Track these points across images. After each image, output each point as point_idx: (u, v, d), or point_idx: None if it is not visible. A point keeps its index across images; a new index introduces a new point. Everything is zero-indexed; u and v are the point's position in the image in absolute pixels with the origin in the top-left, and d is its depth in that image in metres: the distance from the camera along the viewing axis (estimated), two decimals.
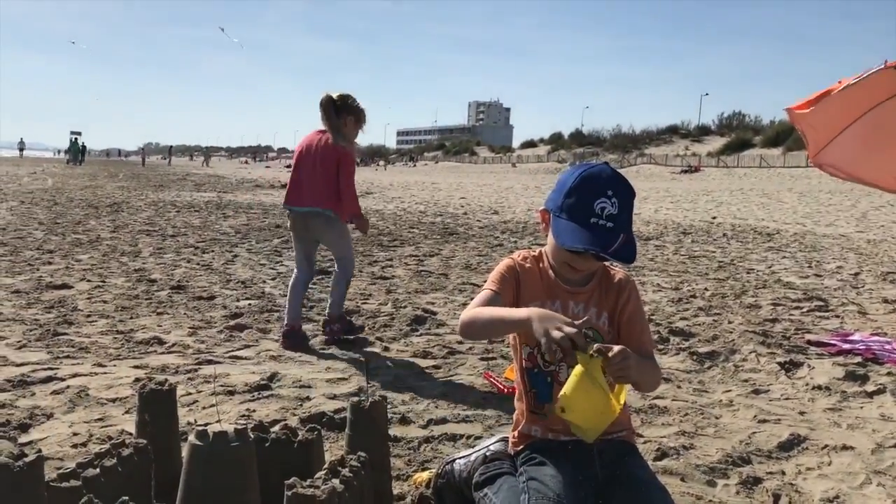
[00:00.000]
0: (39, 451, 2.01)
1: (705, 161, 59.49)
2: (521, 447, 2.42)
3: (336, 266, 5.10)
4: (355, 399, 2.48)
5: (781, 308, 6.44)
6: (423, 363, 4.47)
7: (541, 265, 2.45)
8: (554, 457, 2.30)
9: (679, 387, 4.06)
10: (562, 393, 2.10)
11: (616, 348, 2.06)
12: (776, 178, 41.60)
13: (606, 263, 2.46)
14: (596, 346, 2.07)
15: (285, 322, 4.86)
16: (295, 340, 4.74)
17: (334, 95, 4.86)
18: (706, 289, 7.32)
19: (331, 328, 4.95)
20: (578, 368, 2.08)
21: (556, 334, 2.05)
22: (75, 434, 3.16)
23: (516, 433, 2.47)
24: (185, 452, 2.20)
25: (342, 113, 4.85)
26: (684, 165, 55.99)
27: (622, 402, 2.13)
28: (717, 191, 29.94)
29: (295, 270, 5.11)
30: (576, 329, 2.07)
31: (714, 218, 16.95)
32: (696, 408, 3.71)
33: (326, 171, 4.82)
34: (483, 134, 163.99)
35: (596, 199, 2.20)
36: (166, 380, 2.62)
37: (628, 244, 2.23)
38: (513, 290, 2.41)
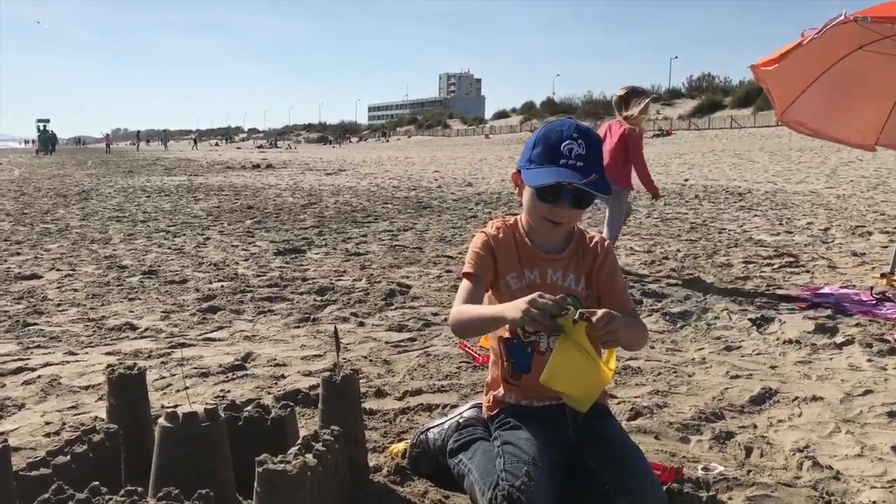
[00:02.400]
0: (5, 440, 1.98)
1: (677, 124, 59.70)
2: (496, 412, 2.42)
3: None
4: (326, 374, 2.48)
5: (753, 266, 6.51)
6: (399, 336, 4.47)
7: (516, 234, 2.43)
8: (528, 420, 2.31)
9: (652, 347, 4.10)
10: (548, 364, 2.09)
11: (600, 312, 2.06)
12: (747, 139, 41.86)
13: (581, 228, 2.46)
14: (579, 311, 2.06)
15: None
16: None
17: (621, 92, 6.12)
18: (678, 250, 7.37)
19: None
20: (563, 337, 2.07)
21: (534, 313, 2.04)
22: (48, 423, 3.13)
23: (490, 398, 2.48)
24: (156, 434, 2.19)
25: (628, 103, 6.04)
26: (656, 130, 56.18)
27: (612, 366, 2.12)
28: (689, 153, 30.11)
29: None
30: (551, 300, 2.06)
31: (686, 180, 17.05)
32: (669, 367, 3.74)
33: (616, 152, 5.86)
34: (455, 106, 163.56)
35: (562, 143, 2.22)
36: (135, 364, 2.60)
37: (601, 181, 2.24)
38: (491, 267, 2.40)
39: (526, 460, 2.14)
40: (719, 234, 8.55)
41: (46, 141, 52.91)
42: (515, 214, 2.51)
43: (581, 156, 2.23)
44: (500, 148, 48.05)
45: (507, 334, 2.43)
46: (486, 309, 2.28)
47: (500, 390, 2.44)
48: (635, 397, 3.31)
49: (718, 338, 4.31)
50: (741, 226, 9.20)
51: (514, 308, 2.11)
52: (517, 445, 2.21)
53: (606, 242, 2.46)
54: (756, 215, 10.27)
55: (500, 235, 2.42)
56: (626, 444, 2.30)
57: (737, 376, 3.61)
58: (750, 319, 4.63)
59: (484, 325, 2.30)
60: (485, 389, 2.56)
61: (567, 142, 2.24)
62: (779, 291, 5.43)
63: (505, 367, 2.43)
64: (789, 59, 5.12)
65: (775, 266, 6.49)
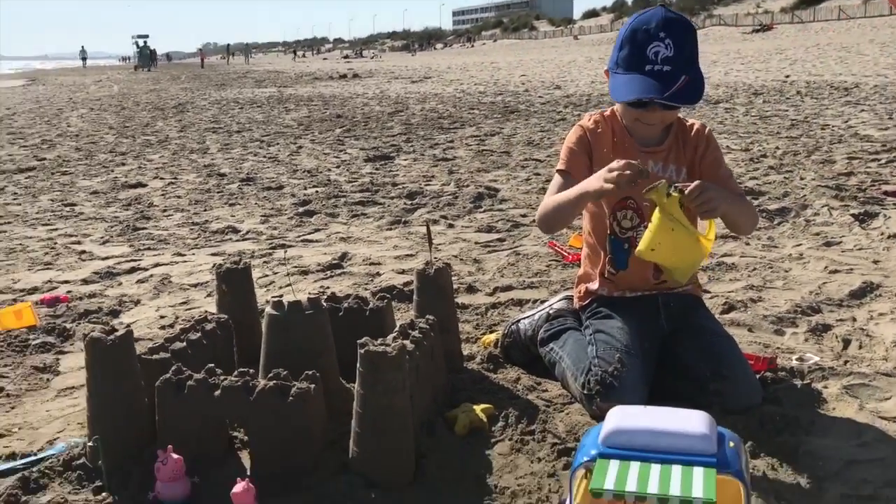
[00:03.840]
0: (128, 327, 2.14)
1: (778, 18, 56.32)
2: (587, 302, 2.46)
3: None
4: (421, 267, 2.55)
5: (857, 161, 6.22)
6: (488, 237, 4.52)
7: (615, 127, 2.40)
8: (620, 310, 2.34)
9: (748, 244, 4.02)
10: (644, 237, 2.10)
11: (693, 183, 2.05)
12: (856, 31, 39.23)
13: (681, 117, 2.41)
14: (672, 185, 2.05)
15: None
16: None
17: None
18: (777, 147, 7.10)
19: None
20: (657, 211, 2.07)
21: (612, 177, 2.04)
22: (162, 317, 3.35)
23: (582, 290, 2.51)
24: (263, 324, 2.33)
25: None
26: (756, 24, 53.14)
27: (712, 238, 2.10)
28: (791, 48, 28.50)
29: None
30: (628, 163, 2.05)
31: (787, 77, 16.22)
32: (764, 263, 3.68)
33: None
34: (542, 7, 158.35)
35: (648, 45, 2.14)
36: (241, 258, 2.74)
37: (692, 85, 2.17)
38: (585, 164, 2.37)
39: (619, 348, 2.18)
40: (822, 130, 8.17)
41: (147, 57, 53.66)
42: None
43: (668, 58, 2.14)
44: (589, 49, 46.55)
45: (607, 230, 2.43)
46: (569, 191, 2.26)
47: (594, 283, 2.47)
48: (729, 292, 3.29)
49: (818, 234, 4.19)
50: (846, 121, 8.75)
51: (593, 180, 2.12)
52: (610, 334, 2.25)
53: (707, 129, 2.40)
54: (863, 110, 9.74)
55: (598, 130, 2.39)
56: (718, 332, 2.31)
57: (836, 271, 3.52)
58: (852, 215, 4.47)
59: (569, 208, 2.29)
60: (576, 281, 2.59)
61: (654, 44, 2.15)
62: (885, 187, 5.20)
63: (602, 263, 2.44)
64: None
65: (882, 161, 6.19)
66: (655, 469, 1.45)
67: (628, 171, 2.02)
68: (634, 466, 1.47)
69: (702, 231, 2.14)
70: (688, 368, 2.22)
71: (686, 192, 2.03)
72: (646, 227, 2.29)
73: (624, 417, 1.57)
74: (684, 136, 2.39)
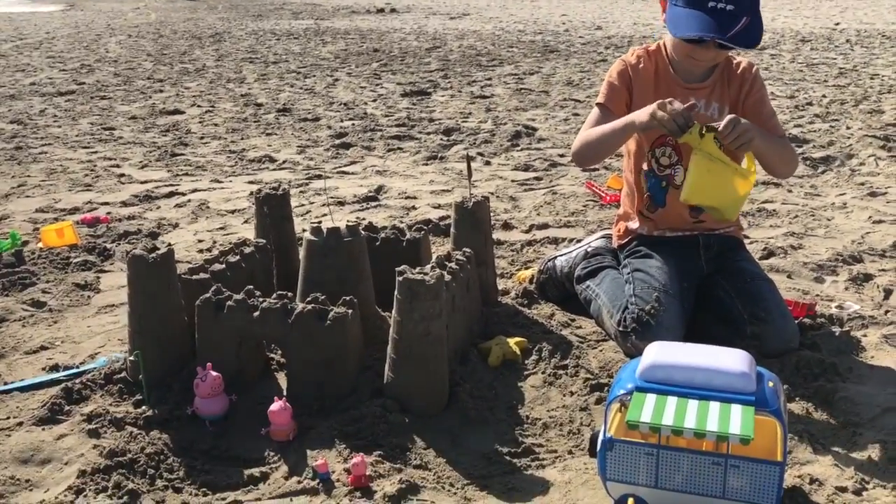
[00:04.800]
0: (170, 245, 2.17)
1: None
2: (626, 241, 2.44)
3: None
4: (459, 200, 2.54)
5: None
6: (525, 175, 4.48)
7: (658, 62, 2.34)
8: (659, 249, 2.32)
9: (790, 191, 3.95)
10: (685, 181, 2.08)
11: (724, 119, 2.01)
12: None
13: (730, 54, 2.34)
14: (703, 125, 2.02)
15: None
16: None
17: None
18: (824, 96, 6.90)
19: None
20: (694, 153, 2.04)
21: (661, 116, 2.01)
22: (200, 241, 3.38)
23: (622, 228, 2.48)
24: (302, 249, 2.34)
25: None
26: None
27: (753, 169, 2.08)
28: None
29: None
30: (680, 107, 2.01)
31: (837, 24, 15.68)
32: (806, 210, 3.61)
33: None
34: None
35: None
36: (280, 184, 2.74)
37: (752, 27, 2.10)
38: (625, 99, 2.33)
39: (656, 287, 2.17)
40: (871, 80, 7.91)
41: None
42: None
43: None
44: None
45: (644, 167, 2.39)
46: (614, 122, 2.22)
47: (634, 222, 2.44)
48: (769, 238, 3.24)
49: (862, 184, 4.09)
50: None
51: (642, 112, 2.08)
52: (648, 273, 2.23)
53: (755, 68, 2.34)
54: None
55: (641, 65, 2.34)
56: (757, 275, 2.28)
57: (880, 221, 3.45)
58: None
59: (612, 140, 2.25)
60: (615, 220, 2.56)
61: None
62: None
63: (641, 201, 2.42)
64: None
65: None
66: (693, 404, 1.45)
67: (681, 118, 1.98)
68: (672, 401, 1.47)
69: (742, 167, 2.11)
70: (726, 310, 2.20)
71: (720, 128, 2.00)
72: (684, 166, 2.26)
73: (662, 353, 1.57)
74: (730, 74, 2.33)
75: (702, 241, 2.34)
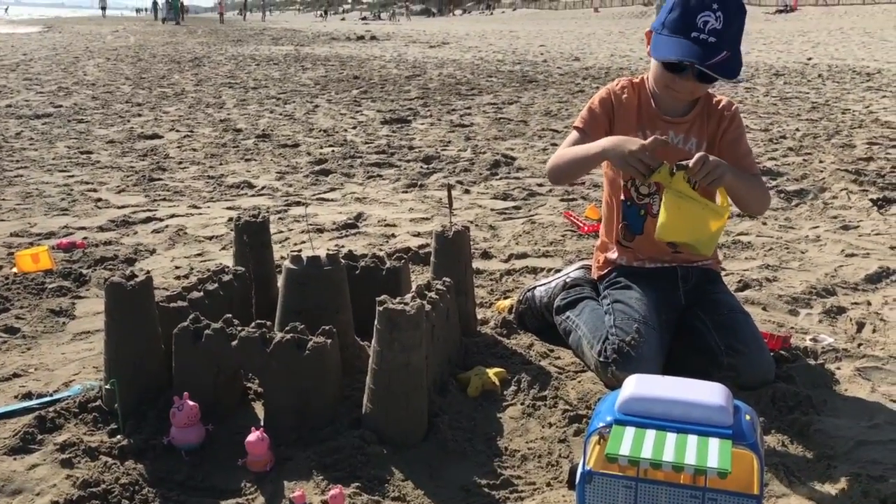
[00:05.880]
0: (148, 273, 2.15)
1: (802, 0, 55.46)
2: (606, 272, 2.46)
3: None
4: (439, 229, 2.55)
5: (878, 147, 6.16)
6: (504, 204, 4.51)
7: (641, 94, 2.39)
8: (638, 281, 2.34)
9: (764, 223, 4.01)
10: (658, 220, 2.11)
11: (694, 157, 2.05)
12: (881, 16, 38.61)
13: (710, 91, 2.39)
14: (674, 164, 2.06)
15: None
16: None
17: None
18: (797, 129, 7.04)
19: None
20: (665, 190, 2.09)
21: (634, 162, 2.05)
22: (177, 267, 3.36)
23: (601, 259, 2.51)
24: (281, 278, 2.33)
25: None
26: (780, 5, 52.36)
27: (726, 205, 2.12)
28: (814, 31, 28.10)
29: None
30: (650, 142, 2.06)
31: (809, 59, 16.01)
32: (780, 243, 3.67)
33: None
34: None
35: (699, 13, 2.12)
36: (259, 211, 2.74)
37: (731, 61, 2.15)
38: (604, 127, 2.37)
39: (636, 318, 2.18)
40: (842, 114, 8.08)
41: (177, 10, 51.22)
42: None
43: (715, 31, 2.12)
44: (609, 23, 46.01)
45: (622, 196, 2.43)
46: (590, 146, 2.26)
47: (612, 252, 2.47)
48: (744, 270, 3.28)
49: (835, 217, 4.17)
50: (867, 107, 8.65)
51: (612, 146, 2.13)
52: (628, 304, 2.25)
53: (734, 107, 2.38)
54: (885, 96, 9.62)
55: (624, 95, 2.38)
56: (735, 308, 2.31)
57: (853, 255, 3.51)
58: (871, 200, 4.43)
59: (585, 164, 2.30)
60: (595, 251, 2.59)
61: (704, 13, 2.12)
62: None
63: (618, 229, 2.45)
64: None
65: None
66: (671, 437, 1.46)
67: (647, 161, 2.04)
68: (650, 434, 1.48)
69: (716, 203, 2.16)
70: (703, 341, 2.22)
71: (690, 165, 2.04)
72: (661, 196, 2.30)
73: (641, 385, 1.58)
74: (710, 109, 2.38)
75: (680, 272, 2.37)
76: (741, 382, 2.13)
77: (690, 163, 2.03)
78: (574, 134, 2.38)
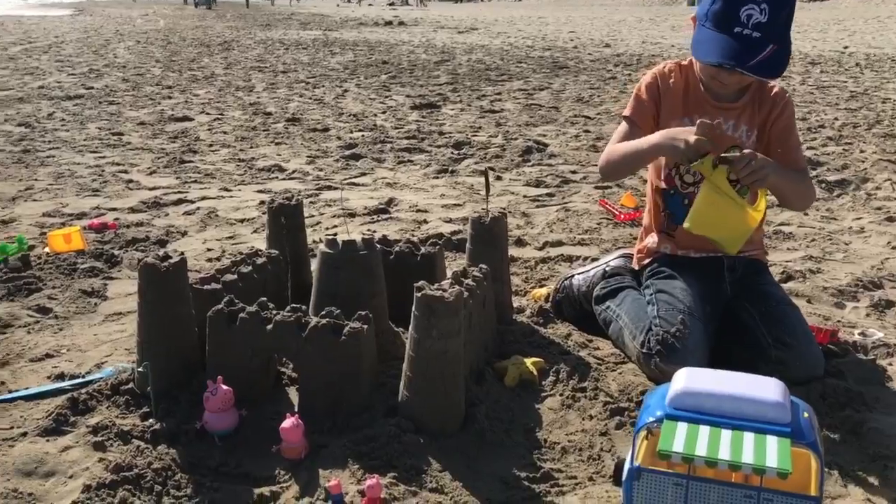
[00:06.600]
0: (182, 254, 2.12)
1: None
2: (648, 261, 2.39)
3: None
4: (476, 214, 2.49)
5: None
6: (537, 191, 4.44)
7: (689, 78, 2.30)
8: (682, 270, 2.27)
9: (806, 214, 3.90)
10: (691, 209, 2.06)
11: (741, 153, 1.97)
12: None
13: None
14: (718, 155, 1.99)
15: None
16: None
17: None
18: (836, 118, 6.87)
19: None
20: (704, 182, 2.02)
21: (685, 144, 1.98)
22: (209, 250, 3.34)
23: (643, 247, 2.43)
24: (315, 261, 2.29)
25: None
26: None
27: (762, 208, 2.05)
28: (850, 19, 27.55)
29: None
30: (701, 135, 1.98)
31: (846, 48, 15.68)
32: (823, 234, 3.56)
33: None
34: None
35: (743, 6, 2.02)
36: (293, 195, 2.70)
37: (777, 56, 2.06)
38: (652, 113, 2.30)
39: (681, 309, 2.11)
40: (882, 103, 7.88)
41: None
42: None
43: (760, 24, 2.02)
44: (640, 9, 45.46)
45: (663, 185, 2.35)
46: (641, 141, 2.19)
47: (655, 240, 2.39)
48: (787, 261, 3.19)
49: (879, 208, 4.05)
50: None
51: (665, 139, 2.06)
52: (672, 294, 2.17)
53: (787, 95, 2.29)
54: None
55: (671, 79, 2.29)
56: (783, 300, 2.23)
57: None
58: None
59: (637, 160, 2.24)
60: (640, 236, 2.51)
61: (748, 6, 2.02)
62: None
63: (661, 218, 2.37)
64: None
65: None
66: (726, 434, 1.40)
67: (697, 139, 1.97)
68: (704, 430, 1.41)
69: (752, 202, 2.09)
70: (749, 334, 2.15)
71: (734, 161, 1.96)
72: None
73: (692, 379, 1.52)
74: (762, 96, 2.28)
75: (726, 262, 2.29)
76: (789, 377, 2.03)
77: (736, 158, 1.96)
78: (623, 125, 2.32)
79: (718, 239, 2.07)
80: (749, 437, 1.39)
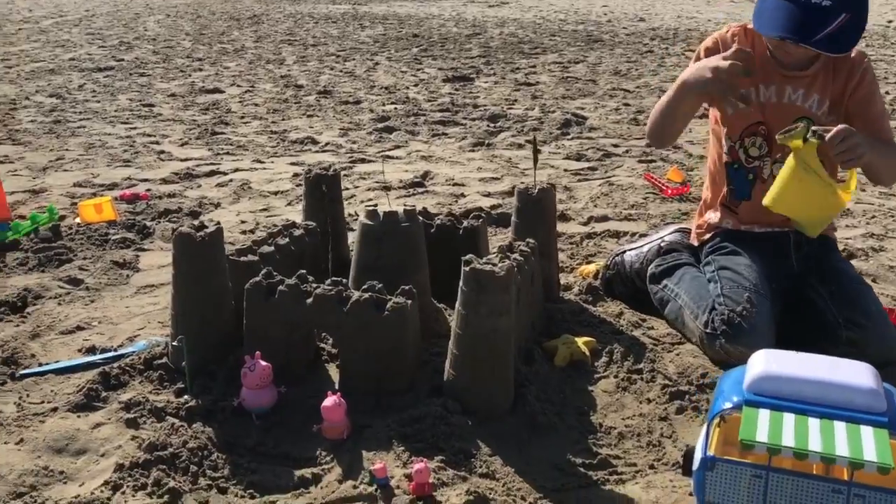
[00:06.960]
0: (218, 223, 2.02)
1: None
2: (709, 236, 2.24)
3: None
4: (523, 186, 2.36)
5: None
6: (578, 165, 4.29)
7: (755, 43, 2.13)
8: (746, 246, 2.13)
9: (863, 189, 3.72)
10: (773, 185, 1.91)
11: (835, 128, 1.81)
12: None
13: None
14: (811, 128, 1.83)
15: None
16: None
17: None
18: (887, 92, 6.62)
19: None
20: (791, 157, 1.87)
21: (712, 73, 1.84)
22: (243, 222, 3.24)
23: (703, 223, 2.29)
24: (355, 233, 2.18)
25: None
26: None
27: (853, 188, 1.89)
28: None
29: None
30: (731, 59, 1.83)
31: (890, 22, 15.22)
32: (883, 210, 3.39)
33: None
34: None
35: None
36: (331, 165, 2.59)
37: (849, 27, 1.89)
38: None
39: (747, 286, 1.98)
40: None
41: None
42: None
43: None
44: None
45: (726, 158, 2.20)
46: (669, 90, 2.04)
47: (716, 214, 2.25)
48: (847, 238, 3.03)
49: None
50: None
51: (692, 74, 1.92)
52: (736, 271, 2.04)
53: (866, 59, 2.11)
54: None
55: (734, 45, 2.13)
56: (856, 278, 2.09)
57: None
58: None
59: (669, 110, 2.07)
60: (696, 216, 2.37)
61: None
62: None
63: (724, 193, 2.22)
64: None
65: None
66: (814, 423, 1.27)
67: (731, 63, 1.81)
68: (789, 418, 1.29)
69: (841, 181, 1.93)
70: (819, 314, 2.01)
71: (827, 137, 1.80)
72: (773, 158, 2.09)
73: (772, 362, 1.39)
74: (837, 61, 2.10)
75: (793, 238, 2.14)
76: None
77: (829, 134, 1.79)
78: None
79: (801, 220, 1.91)
80: (841, 427, 1.26)
